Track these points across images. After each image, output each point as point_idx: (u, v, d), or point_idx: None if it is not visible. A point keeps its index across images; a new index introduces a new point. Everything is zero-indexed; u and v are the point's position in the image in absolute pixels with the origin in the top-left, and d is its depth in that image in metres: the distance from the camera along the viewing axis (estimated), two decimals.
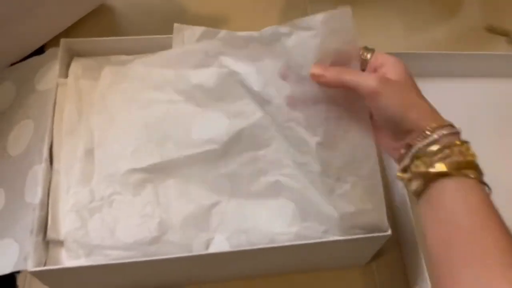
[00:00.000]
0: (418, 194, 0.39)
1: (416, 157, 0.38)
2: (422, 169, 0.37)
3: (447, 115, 0.67)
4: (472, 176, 0.36)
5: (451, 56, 0.69)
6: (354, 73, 0.41)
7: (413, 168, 0.38)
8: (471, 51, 0.70)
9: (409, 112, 0.39)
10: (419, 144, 0.38)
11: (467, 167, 0.37)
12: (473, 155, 0.38)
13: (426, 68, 0.70)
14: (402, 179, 0.40)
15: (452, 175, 0.36)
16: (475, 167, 0.37)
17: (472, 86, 0.71)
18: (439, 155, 0.37)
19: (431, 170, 0.37)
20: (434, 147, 0.37)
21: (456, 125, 0.40)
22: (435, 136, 0.38)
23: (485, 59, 0.70)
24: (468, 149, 0.38)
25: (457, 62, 0.70)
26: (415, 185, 0.39)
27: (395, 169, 0.43)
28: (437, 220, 0.37)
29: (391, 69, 0.42)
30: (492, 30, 0.79)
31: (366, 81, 0.40)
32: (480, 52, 0.70)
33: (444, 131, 0.38)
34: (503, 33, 0.79)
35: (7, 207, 0.47)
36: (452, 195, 0.36)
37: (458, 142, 0.38)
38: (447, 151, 0.37)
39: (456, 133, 0.39)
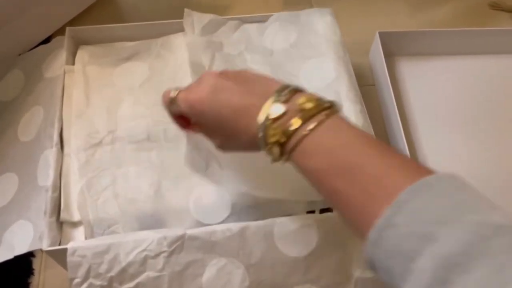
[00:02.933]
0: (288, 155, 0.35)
1: (267, 129, 0.35)
2: (279, 134, 0.34)
3: (454, 91, 0.68)
4: (326, 115, 0.33)
5: (456, 33, 0.69)
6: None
7: (271, 139, 0.34)
8: (476, 28, 0.70)
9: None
10: (260, 121, 0.35)
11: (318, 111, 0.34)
12: (313, 99, 0.34)
13: (431, 47, 0.70)
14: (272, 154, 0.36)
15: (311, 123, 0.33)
16: (321, 105, 0.34)
17: (478, 63, 0.71)
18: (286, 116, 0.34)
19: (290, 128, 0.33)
20: (279, 112, 0.34)
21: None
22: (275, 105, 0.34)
23: (491, 35, 0.70)
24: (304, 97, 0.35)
25: (462, 39, 0.70)
26: (276, 151, 0.35)
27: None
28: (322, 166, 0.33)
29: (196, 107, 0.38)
30: (496, 7, 0.79)
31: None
32: (486, 28, 0.70)
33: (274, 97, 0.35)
34: (508, 9, 0.78)
35: (21, 191, 0.48)
36: (322, 139, 0.33)
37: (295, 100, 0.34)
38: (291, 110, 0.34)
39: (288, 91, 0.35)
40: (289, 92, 0.35)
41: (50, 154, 0.48)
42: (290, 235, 0.45)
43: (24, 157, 0.50)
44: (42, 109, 0.53)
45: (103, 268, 0.43)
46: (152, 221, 0.47)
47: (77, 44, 0.59)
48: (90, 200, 0.47)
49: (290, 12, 0.62)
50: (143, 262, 0.43)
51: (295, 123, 0.33)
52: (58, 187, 0.48)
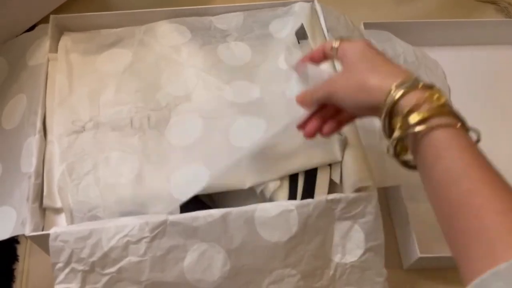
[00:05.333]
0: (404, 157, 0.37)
1: (390, 117, 0.36)
2: (399, 127, 0.35)
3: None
4: (450, 121, 0.34)
5: (441, 24, 0.70)
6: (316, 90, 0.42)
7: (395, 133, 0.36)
8: (461, 19, 0.70)
9: (366, 87, 0.38)
10: (387, 104, 0.36)
11: (443, 113, 0.35)
12: (444, 101, 0.35)
13: (415, 38, 0.70)
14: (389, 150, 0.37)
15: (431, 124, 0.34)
16: (449, 112, 0.35)
17: (463, 54, 0.72)
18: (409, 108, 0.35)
19: (411, 122, 0.34)
20: (405, 102, 0.35)
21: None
22: (401, 91, 0.35)
23: (476, 27, 0.71)
24: (440, 96, 0.36)
25: (447, 30, 0.70)
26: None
27: None
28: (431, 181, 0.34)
29: (349, 55, 0.41)
30: None
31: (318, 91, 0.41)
32: (471, 20, 0.71)
33: (407, 84, 0.36)
34: (492, 1, 0.79)
35: (4, 178, 0.49)
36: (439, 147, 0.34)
37: (427, 93, 0.35)
38: (416, 102, 0.35)
39: (424, 86, 0.37)
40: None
41: (33, 142, 0.48)
42: (271, 221, 0.45)
43: (8, 145, 0.51)
44: (26, 97, 0.53)
45: (85, 253, 0.43)
46: (132, 205, 0.47)
47: (61, 32, 0.59)
48: (71, 184, 0.47)
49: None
50: (125, 247, 0.44)
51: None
52: (40, 173, 0.48)
